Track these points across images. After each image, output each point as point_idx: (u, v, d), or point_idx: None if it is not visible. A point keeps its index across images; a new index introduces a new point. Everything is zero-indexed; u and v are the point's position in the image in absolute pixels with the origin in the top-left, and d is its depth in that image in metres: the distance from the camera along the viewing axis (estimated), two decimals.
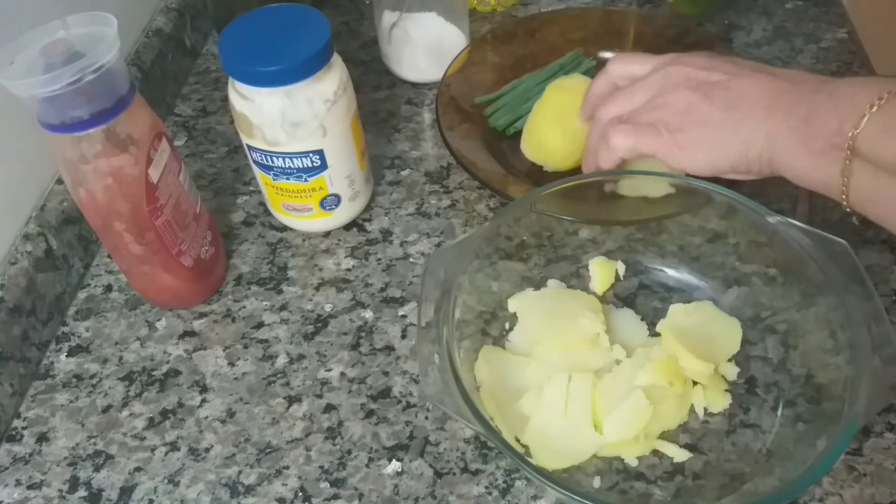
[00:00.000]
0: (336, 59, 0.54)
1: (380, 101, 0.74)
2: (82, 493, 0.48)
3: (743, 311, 0.51)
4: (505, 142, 0.67)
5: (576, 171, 0.63)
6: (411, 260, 0.60)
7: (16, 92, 0.42)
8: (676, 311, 0.52)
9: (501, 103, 0.68)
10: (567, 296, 0.54)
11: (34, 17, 0.50)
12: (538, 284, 0.55)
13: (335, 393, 0.52)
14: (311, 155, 0.55)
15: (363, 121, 0.60)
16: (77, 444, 0.50)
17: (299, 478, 0.48)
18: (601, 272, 0.55)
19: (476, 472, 0.47)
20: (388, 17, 0.72)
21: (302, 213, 0.59)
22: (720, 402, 0.48)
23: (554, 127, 0.61)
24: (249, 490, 0.47)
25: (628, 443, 0.46)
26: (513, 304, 0.53)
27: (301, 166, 0.55)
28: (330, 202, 0.59)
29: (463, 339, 0.49)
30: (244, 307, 0.58)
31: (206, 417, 0.51)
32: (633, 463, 0.46)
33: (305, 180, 0.56)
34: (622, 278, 0.56)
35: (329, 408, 0.51)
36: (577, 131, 0.61)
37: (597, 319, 0.51)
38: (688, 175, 0.50)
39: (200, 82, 0.78)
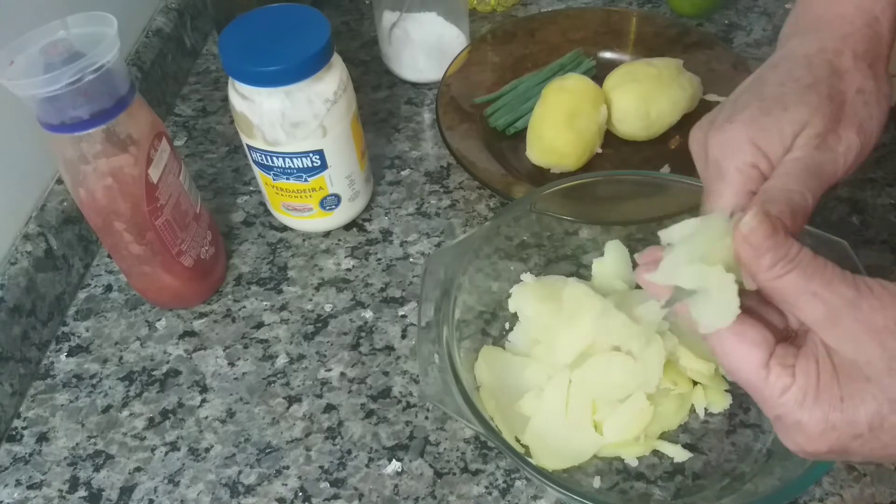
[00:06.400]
0: (336, 59, 0.54)
1: (380, 101, 0.74)
2: (82, 493, 0.48)
3: None
4: (505, 142, 0.67)
5: (580, 170, 0.63)
6: (411, 260, 0.60)
7: (16, 92, 0.42)
8: None
9: (501, 103, 0.68)
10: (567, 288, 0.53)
11: (34, 17, 0.50)
12: None
13: (335, 393, 0.52)
14: (311, 155, 0.55)
15: (363, 121, 0.60)
16: (77, 444, 0.50)
17: (299, 478, 0.48)
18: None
19: (476, 472, 0.47)
20: (388, 17, 0.72)
21: (302, 213, 0.59)
22: (720, 402, 0.48)
23: (563, 130, 0.61)
24: (249, 490, 0.47)
25: (628, 443, 0.46)
26: (513, 303, 0.53)
27: (301, 166, 0.55)
28: (330, 202, 0.59)
29: (463, 339, 0.49)
30: (244, 307, 0.58)
31: (206, 417, 0.51)
32: (633, 463, 0.46)
33: (305, 180, 0.56)
34: None
35: (329, 408, 0.51)
36: (585, 132, 0.62)
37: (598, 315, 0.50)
38: None
39: (200, 82, 0.78)
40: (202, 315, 0.57)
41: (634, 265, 0.55)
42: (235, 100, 0.53)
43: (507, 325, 0.53)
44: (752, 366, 0.33)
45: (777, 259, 0.31)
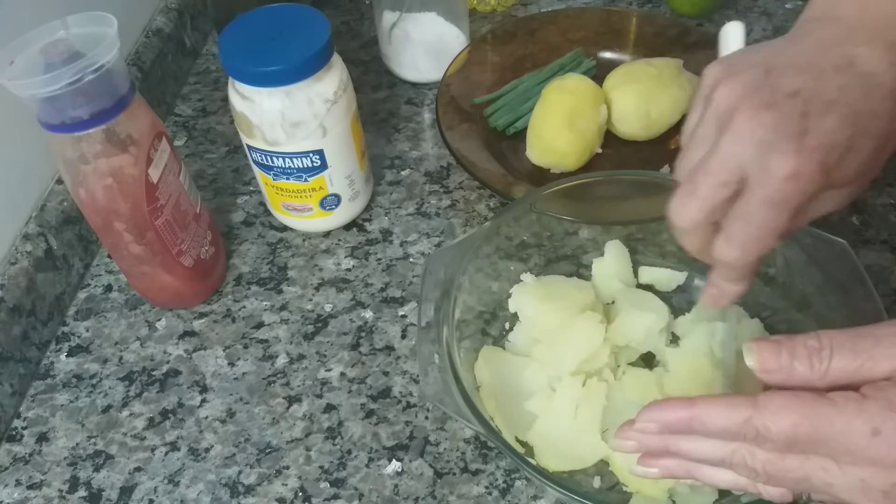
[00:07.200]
0: (336, 59, 0.54)
1: (380, 101, 0.74)
2: (82, 493, 0.48)
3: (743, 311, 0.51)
4: (505, 142, 0.67)
5: (580, 170, 0.63)
6: (411, 260, 0.60)
7: (16, 92, 0.42)
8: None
9: (501, 103, 0.68)
10: (568, 287, 0.53)
11: (34, 17, 0.50)
12: None
13: (335, 393, 0.52)
14: (311, 155, 0.55)
15: (363, 121, 0.60)
16: (77, 444, 0.50)
17: (299, 478, 0.48)
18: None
19: (476, 472, 0.47)
20: (388, 17, 0.72)
21: (302, 213, 0.59)
22: None
23: (563, 130, 0.61)
24: (249, 490, 0.47)
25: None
26: (513, 303, 0.53)
27: (301, 166, 0.55)
28: (330, 202, 0.59)
29: (463, 339, 0.48)
30: (244, 307, 0.58)
31: (206, 417, 0.51)
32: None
33: (305, 180, 0.56)
34: None
35: (329, 408, 0.51)
36: (585, 132, 0.62)
37: (601, 322, 0.50)
38: None
39: (200, 82, 0.78)
40: (202, 315, 0.57)
41: (635, 265, 0.55)
42: (235, 100, 0.53)
43: (507, 325, 0.53)
44: (811, 397, 0.28)
45: (804, 357, 0.29)
